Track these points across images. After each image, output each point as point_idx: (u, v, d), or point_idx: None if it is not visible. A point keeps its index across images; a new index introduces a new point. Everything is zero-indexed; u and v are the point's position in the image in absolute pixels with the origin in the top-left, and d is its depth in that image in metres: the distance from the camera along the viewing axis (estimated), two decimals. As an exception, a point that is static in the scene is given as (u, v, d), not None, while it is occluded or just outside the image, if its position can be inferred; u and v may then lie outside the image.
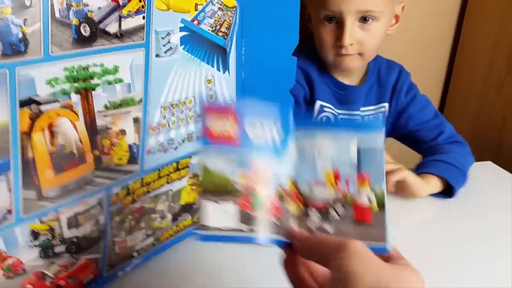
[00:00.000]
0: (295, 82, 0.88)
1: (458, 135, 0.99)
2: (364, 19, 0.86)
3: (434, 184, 0.85)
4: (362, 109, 0.97)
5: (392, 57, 1.05)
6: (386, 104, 0.99)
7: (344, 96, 0.96)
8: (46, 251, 0.51)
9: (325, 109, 0.93)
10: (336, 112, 0.95)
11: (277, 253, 0.41)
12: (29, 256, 0.50)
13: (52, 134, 0.47)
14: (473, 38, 1.52)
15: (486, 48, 1.47)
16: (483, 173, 0.96)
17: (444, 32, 1.56)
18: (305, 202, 0.41)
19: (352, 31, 0.87)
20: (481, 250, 0.73)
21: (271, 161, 0.41)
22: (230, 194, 0.39)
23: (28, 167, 0.46)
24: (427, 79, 1.59)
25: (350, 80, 0.98)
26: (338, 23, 0.87)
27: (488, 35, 1.46)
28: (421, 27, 1.48)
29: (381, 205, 0.40)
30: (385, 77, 0.99)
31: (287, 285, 0.41)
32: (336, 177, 0.41)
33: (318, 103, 0.93)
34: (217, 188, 0.39)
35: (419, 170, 0.88)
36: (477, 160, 1.01)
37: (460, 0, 1.52)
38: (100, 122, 0.51)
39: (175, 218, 0.66)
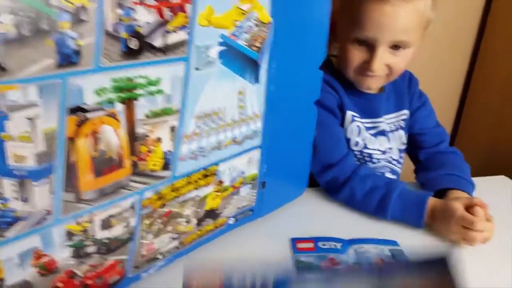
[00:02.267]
0: (328, 93, 0.90)
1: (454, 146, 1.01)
2: (395, 47, 0.87)
3: None
4: (384, 116, 0.99)
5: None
6: (407, 111, 1.01)
7: (366, 105, 0.97)
8: (78, 251, 0.53)
9: (355, 118, 0.95)
10: (361, 121, 0.96)
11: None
12: (62, 255, 0.52)
13: (95, 140, 0.50)
14: (491, 53, 1.53)
15: (504, 62, 1.47)
16: (497, 187, 0.97)
17: (462, 46, 1.57)
18: None
19: (382, 56, 0.86)
20: (496, 263, 0.74)
21: None
22: None
23: (70, 170, 0.49)
24: (444, 93, 1.60)
25: (369, 89, 0.99)
26: (369, 46, 0.87)
27: (507, 50, 1.46)
28: (439, 40, 1.49)
29: None
30: (400, 84, 1.01)
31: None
32: None
33: (349, 113, 0.94)
34: None
35: (445, 185, 0.88)
36: (492, 174, 1.03)
37: (480, 15, 1.53)
38: (139, 130, 0.53)
39: (199, 222, 0.68)
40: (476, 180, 0.93)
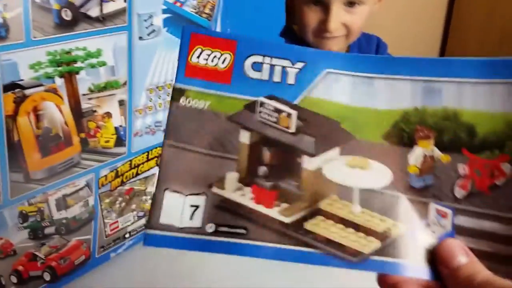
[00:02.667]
0: None
1: None
2: (350, 3, 0.86)
3: None
4: None
5: (383, 33, 1.05)
6: None
7: None
8: (36, 233, 0.52)
9: None
10: None
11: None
12: (19, 238, 0.51)
13: (38, 118, 0.48)
14: (465, 16, 1.50)
15: (478, 25, 1.46)
16: None
17: (436, 9, 1.55)
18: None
19: (338, 15, 0.85)
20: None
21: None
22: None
23: (15, 150, 0.47)
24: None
25: None
26: (324, 6, 0.86)
27: (479, 11, 1.44)
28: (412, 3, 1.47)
29: None
30: (366, 50, 0.99)
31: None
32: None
33: None
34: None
35: None
36: None
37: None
38: (85, 105, 0.52)
39: (165, 199, 0.67)
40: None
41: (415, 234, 0.32)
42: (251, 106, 0.35)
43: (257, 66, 0.35)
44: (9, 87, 0.45)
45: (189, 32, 0.35)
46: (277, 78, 0.35)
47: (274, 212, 0.33)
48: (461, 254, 0.30)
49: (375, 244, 0.32)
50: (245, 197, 0.34)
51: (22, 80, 0.46)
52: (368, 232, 0.32)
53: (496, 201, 0.32)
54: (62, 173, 0.52)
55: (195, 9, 0.59)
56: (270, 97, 0.35)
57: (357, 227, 0.32)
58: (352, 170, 0.34)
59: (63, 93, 0.49)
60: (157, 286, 0.60)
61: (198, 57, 0.35)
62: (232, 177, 0.34)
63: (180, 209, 0.33)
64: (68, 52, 0.48)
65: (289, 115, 0.34)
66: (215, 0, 0.61)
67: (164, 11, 0.56)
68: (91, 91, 0.52)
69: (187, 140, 0.34)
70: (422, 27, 1.58)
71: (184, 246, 0.33)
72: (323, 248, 0.32)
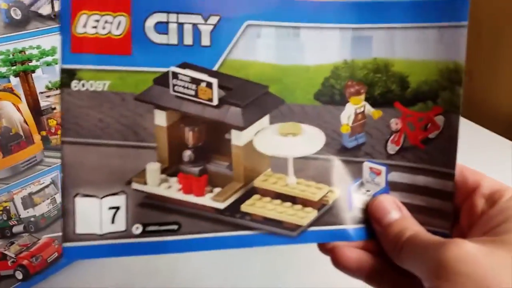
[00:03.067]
0: None
1: None
2: None
3: None
4: None
5: None
6: None
7: None
8: (3, 232, 0.52)
9: None
10: None
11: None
12: None
13: None
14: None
15: None
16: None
17: None
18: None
19: None
20: None
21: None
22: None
23: None
24: None
25: None
26: None
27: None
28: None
29: None
30: None
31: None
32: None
33: None
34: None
35: None
36: None
37: None
38: (43, 103, 0.51)
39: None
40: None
41: (351, 196, 0.31)
42: (162, 80, 0.29)
43: (161, 28, 0.28)
44: None
45: None
46: (188, 40, 0.29)
47: (206, 200, 0.30)
48: (393, 209, 0.30)
49: (312, 214, 0.31)
50: (172, 189, 0.30)
51: None
52: (305, 203, 0.31)
53: (429, 155, 0.31)
54: (25, 171, 0.52)
55: None
56: (184, 66, 0.29)
57: (294, 200, 0.31)
58: (284, 139, 0.31)
59: (20, 92, 0.49)
60: (133, 283, 0.57)
61: (85, 25, 0.27)
62: (153, 169, 0.29)
63: (98, 214, 0.28)
64: (22, 51, 0.48)
65: (209, 84, 0.29)
66: None
67: None
68: (49, 88, 0.51)
69: (89, 134, 0.28)
70: None
71: (109, 254, 0.29)
72: (260, 228, 0.30)
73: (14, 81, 0.49)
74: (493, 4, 1.14)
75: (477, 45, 1.19)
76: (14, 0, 0.47)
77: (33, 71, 0.50)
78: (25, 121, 0.51)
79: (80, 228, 0.28)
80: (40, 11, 0.49)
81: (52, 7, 0.50)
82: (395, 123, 0.32)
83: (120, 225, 0.29)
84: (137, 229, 0.29)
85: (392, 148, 0.32)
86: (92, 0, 0.27)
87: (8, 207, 0.52)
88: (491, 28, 1.15)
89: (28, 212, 0.53)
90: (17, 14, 0.47)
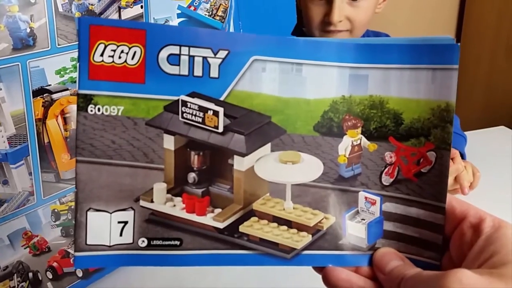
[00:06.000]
0: None
1: None
2: None
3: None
4: None
5: (396, 29, 1.04)
6: None
7: None
8: (68, 230, 0.55)
9: None
10: None
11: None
12: (53, 235, 0.54)
13: (65, 120, 0.52)
14: (479, 5, 1.44)
15: (493, 13, 1.42)
16: (497, 138, 0.97)
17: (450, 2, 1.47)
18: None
19: (341, 7, 0.87)
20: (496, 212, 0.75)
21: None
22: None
23: (45, 151, 0.50)
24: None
25: None
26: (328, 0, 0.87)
27: (493, 3, 1.40)
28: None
29: None
30: None
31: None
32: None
33: None
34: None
35: None
36: (491, 125, 1.02)
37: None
38: None
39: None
40: (476, 132, 0.92)
41: (346, 223, 0.33)
42: (172, 107, 0.31)
43: (173, 59, 0.31)
44: (38, 92, 0.48)
45: (87, 24, 0.29)
46: (198, 72, 0.31)
47: (207, 219, 0.32)
48: (395, 259, 0.32)
49: (307, 239, 0.33)
50: (176, 208, 0.32)
51: (49, 85, 0.49)
52: (300, 227, 0.33)
53: (421, 188, 0.33)
54: None
55: (208, 12, 0.59)
56: (193, 95, 0.31)
57: (290, 224, 0.33)
58: (283, 166, 0.33)
59: None
60: (185, 281, 0.60)
61: (102, 54, 0.30)
62: (160, 189, 0.32)
63: (107, 228, 0.31)
64: None
65: (215, 113, 0.31)
66: (227, 3, 0.60)
67: (179, 16, 0.57)
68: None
69: (102, 154, 0.31)
70: (434, 25, 1.49)
71: (116, 263, 0.31)
72: (256, 248, 0.32)
73: (83, 86, 0.53)
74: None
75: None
76: (86, 9, 0.50)
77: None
78: (91, 124, 0.54)
79: (91, 240, 0.31)
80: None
81: (120, 15, 0.53)
82: (390, 156, 0.33)
83: (128, 238, 0.31)
84: (143, 242, 0.31)
85: (386, 180, 0.34)
86: (110, 30, 0.30)
87: (73, 207, 0.54)
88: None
89: (90, 211, 0.57)
90: (89, 23, 0.52)
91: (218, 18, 0.60)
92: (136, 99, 0.31)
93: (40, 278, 0.53)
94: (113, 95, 0.30)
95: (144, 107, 0.31)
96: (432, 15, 1.50)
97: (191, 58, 0.31)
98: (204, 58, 0.31)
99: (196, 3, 0.58)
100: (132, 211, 0.31)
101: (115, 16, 0.52)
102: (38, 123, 0.49)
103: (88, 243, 0.31)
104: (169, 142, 0.32)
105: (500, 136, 1.02)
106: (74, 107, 0.51)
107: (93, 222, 0.31)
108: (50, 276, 0.54)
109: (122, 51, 0.30)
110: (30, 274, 0.52)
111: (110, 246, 0.31)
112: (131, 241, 0.31)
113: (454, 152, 0.80)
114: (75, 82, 0.50)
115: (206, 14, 0.59)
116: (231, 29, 0.64)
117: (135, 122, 0.31)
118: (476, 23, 1.57)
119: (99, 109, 0.30)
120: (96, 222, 0.31)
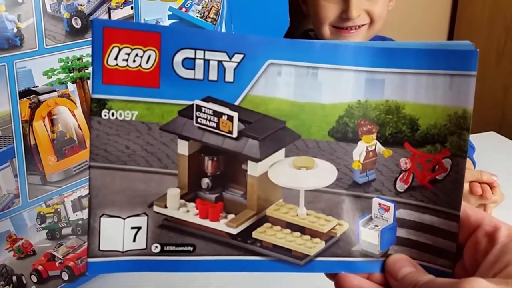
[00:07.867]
0: None
1: None
2: None
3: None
4: None
5: (389, 30, 1.02)
6: None
7: None
8: (53, 233, 0.54)
9: None
10: None
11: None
12: (38, 238, 0.53)
13: (52, 122, 0.51)
14: (470, 9, 1.43)
15: (484, 17, 1.40)
16: (486, 144, 0.96)
17: (442, 3, 1.45)
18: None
19: (360, 2, 0.85)
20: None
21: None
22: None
23: (31, 153, 0.49)
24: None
25: None
26: None
27: (484, 4, 1.38)
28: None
29: None
30: None
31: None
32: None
33: None
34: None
35: None
36: (481, 130, 1.01)
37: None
38: None
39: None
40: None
41: (359, 230, 0.33)
42: (186, 112, 0.31)
43: (188, 63, 0.30)
44: (25, 93, 0.47)
45: (100, 26, 0.29)
46: (213, 76, 0.31)
47: (221, 225, 0.32)
48: (407, 266, 0.31)
49: (320, 245, 0.32)
50: (189, 214, 0.32)
51: (36, 86, 0.48)
52: (313, 234, 0.33)
53: (436, 195, 0.33)
54: (77, 175, 0.54)
55: (200, 14, 0.58)
56: (207, 99, 0.31)
57: (303, 230, 0.33)
58: (297, 171, 0.32)
59: (76, 98, 0.52)
60: (175, 283, 0.59)
61: (116, 58, 0.29)
62: (173, 194, 0.31)
63: (121, 233, 0.31)
64: (79, 59, 0.51)
65: (230, 118, 0.31)
66: (219, 5, 0.59)
67: (170, 17, 0.55)
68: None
69: (116, 160, 0.30)
70: (425, 29, 1.48)
71: (129, 269, 0.31)
72: (269, 254, 0.32)
73: (71, 88, 0.51)
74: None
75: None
76: (75, 9, 0.49)
77: (89, 78, 0.51)
78: (79, 126, 0.53)
79: (104, 245, 0.31)
80: (98, 20, 0.52)
81: (109, 16, 0.52)
82: (405, 163, 0.33)
83: (141, 243, 0.31)
84: (156, 248, 0.31)
85: (400, 186, 0.33)
86: (124, 33, 0.29)
87: (59, 210, 0.54)
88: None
89: (76, 215, 0.56)
90: (77, 23, 0.49)
91: (210, 20, 0.60)
92: (150, 103, 0.30)
93: (25, 282, 0.53)
94: (127, 99, 0.30)
95: (158, 112, 0.31)
96: (424, 20, 1.50)
97: (206, 62, 0.30)
98: (220, 62, 0.30)
99: (187, 5, 0.57)
100: (146, 217, 0.31)
101: (105, 17, 0.51)
102: (24, 124, 0.48)
103: (101, 248, 0.30)
104: (183, 148, 0.32)
105: (490, 141, 1.02)
106: (62, 108, 0.51)
107: (107, 228, 0.30)
108: (35, 280, 0.53)
109: (136, 55, 0.29)
110: (14, 278, 0.52)
111: (123, 252, 0.31)
112: (145, 247, 0.31)
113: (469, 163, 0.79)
114: (63, 83, 0.50)
115: (197, 16, 0.58)
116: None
117: (150, 127, 0.31)
118: (467, 29, 1.57)
119: (113, 114, 0.30)
120: (109, 228, 0.30)
